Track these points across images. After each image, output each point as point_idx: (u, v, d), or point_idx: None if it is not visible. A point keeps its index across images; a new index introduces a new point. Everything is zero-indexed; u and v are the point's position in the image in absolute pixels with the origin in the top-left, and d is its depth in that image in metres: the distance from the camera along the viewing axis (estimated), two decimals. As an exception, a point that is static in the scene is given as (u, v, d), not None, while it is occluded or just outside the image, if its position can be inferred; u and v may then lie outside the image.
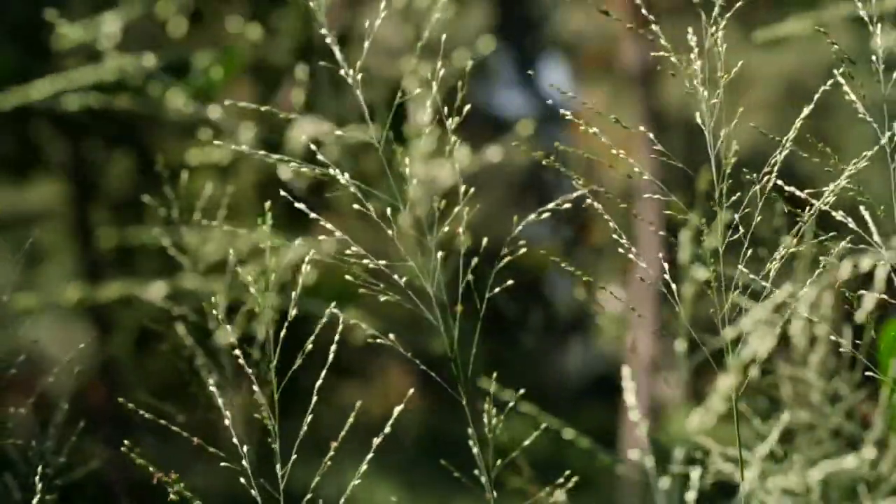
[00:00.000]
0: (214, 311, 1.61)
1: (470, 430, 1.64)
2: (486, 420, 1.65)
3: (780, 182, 1.51)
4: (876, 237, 1.50)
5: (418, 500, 8.37)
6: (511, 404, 1.71)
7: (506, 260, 1.61)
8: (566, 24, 11.64)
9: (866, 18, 1.52)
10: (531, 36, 12.09)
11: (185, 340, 2.14)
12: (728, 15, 1.51)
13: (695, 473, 2.06)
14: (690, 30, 1.51)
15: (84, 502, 2.04)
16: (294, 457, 1.55)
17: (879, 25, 1.51)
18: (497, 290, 1.60)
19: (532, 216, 1.62)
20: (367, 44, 1.57)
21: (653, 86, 8.79)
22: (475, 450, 1.63)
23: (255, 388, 1.53)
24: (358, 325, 1.56)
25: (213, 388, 1.60)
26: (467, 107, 1.56)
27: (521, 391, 1.74)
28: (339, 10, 5.35)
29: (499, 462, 1.64)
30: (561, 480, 1.71)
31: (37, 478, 1.68)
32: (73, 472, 1.88)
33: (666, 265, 1.56)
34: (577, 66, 11.82)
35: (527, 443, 1.75)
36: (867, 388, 2.25)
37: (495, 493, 1.64)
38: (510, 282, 1.62)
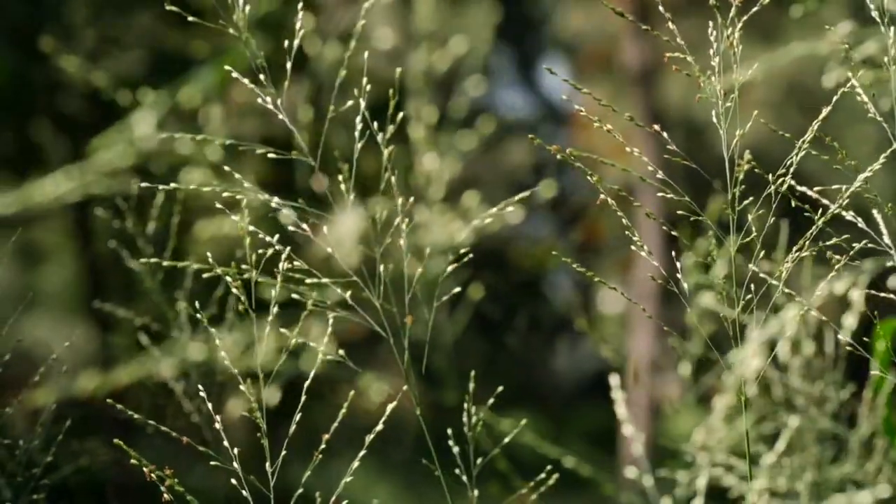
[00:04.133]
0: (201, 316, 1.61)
1: (449, 431, 1.64)
2: (465, 419, 1.65)
3: (793, 183, 1.51)
4: (886, 238, 1.49)
5: (417, 500, 8.37)
6: (490, 402, 1.71)
7: (451, 268, 1.61)
8: (566, 24, 11.64)
9: (876, 17, 1.51)
10: (531, 36, 12.09)
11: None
12: (745, 18, 1.50)
13: (693, 478, 2.07)
14: (710, 31, 1.50)
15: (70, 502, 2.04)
16: (284, 453, 1.55)
17: (893, 29, 1.50)
18: (453, 291, 1.61)
19: (493, 209, 1.63)
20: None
21: (653, 85, 8.79)
22: (455, 449, 1.63)
23: (243, 387, 1.53)
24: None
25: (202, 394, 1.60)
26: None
27: (500, 390, 1.73)
28: (339, 10, 5.35)
29: (479, 461, 1.63)
30: (542, 476, 1.71)
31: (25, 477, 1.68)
32: (60, 472, 1.87)
33: (677, 263, 1.56)
34: (577, 66, 11.81)
35: (506, 440, 1.74)
36: (853, 389, 2.25)
37: (476, 492, 1.64)
38: (484, 285, 1.63)
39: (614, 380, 2.19)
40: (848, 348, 1.60)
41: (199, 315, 1.58)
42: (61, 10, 6.26)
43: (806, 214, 1.51)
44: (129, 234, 2.23)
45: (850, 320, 2.13)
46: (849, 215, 1.49)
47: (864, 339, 1.68)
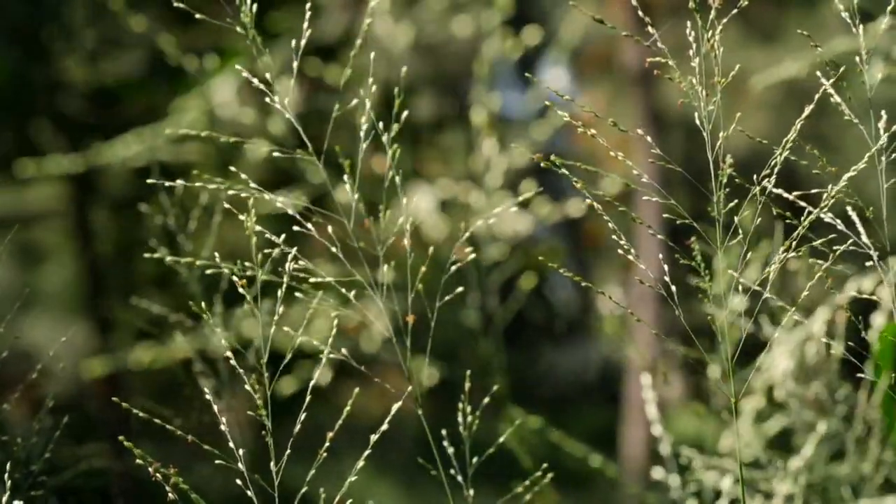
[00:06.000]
0: (207, 316, 1.60)
1: (444, 431, 1.65)
2: (460, 419, 1.65)
3: (776, 185, 1.51)
4: (864, 238, 1.50)
5: (415, 499, 8.37)
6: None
7: (455, 267, 1.61)
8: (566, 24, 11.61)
9: (848, 20, 1.52)
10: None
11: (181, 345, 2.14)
12: (725, 20, 1.50)
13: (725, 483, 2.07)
14: (689, 33, 1.51)
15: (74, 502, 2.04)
16: (288, 452, 1.55)
17: (861, 27, 1.51)
18: (447, 297, 1.62)
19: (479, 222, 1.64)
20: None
21: (653, 86, 8.78)
22: (450, 450, 1.64)
23: (248, 386, 1.53)
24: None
25: (208, 394, 1.60)
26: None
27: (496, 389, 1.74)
28: (339, 11, 5.34)
29: (474, 460, 1.64)
30: (538, 475, 1.70)
31: (23, 476, 1.68)
32: (62, 473, 1.87)
33: (665, 266, 1.56)
34: (577, 67, 11.81)
35: (501, 440, 1.75)
36: (851, 389, 2.25)
37: (472, 492, 1.64)
38: (460, 289, 1.63)
39: (646, 379, 2.19)
40: (843, 354, 1.60)
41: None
42: (61, 10, 6.26)
43: (788, 221, 1.51)
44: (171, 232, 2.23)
45: (880, 319, 2.13)
46: (827, 217, 1.49)
47: (849, 342, 1.69)
